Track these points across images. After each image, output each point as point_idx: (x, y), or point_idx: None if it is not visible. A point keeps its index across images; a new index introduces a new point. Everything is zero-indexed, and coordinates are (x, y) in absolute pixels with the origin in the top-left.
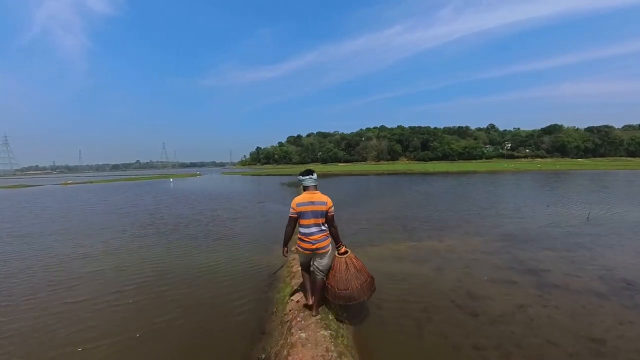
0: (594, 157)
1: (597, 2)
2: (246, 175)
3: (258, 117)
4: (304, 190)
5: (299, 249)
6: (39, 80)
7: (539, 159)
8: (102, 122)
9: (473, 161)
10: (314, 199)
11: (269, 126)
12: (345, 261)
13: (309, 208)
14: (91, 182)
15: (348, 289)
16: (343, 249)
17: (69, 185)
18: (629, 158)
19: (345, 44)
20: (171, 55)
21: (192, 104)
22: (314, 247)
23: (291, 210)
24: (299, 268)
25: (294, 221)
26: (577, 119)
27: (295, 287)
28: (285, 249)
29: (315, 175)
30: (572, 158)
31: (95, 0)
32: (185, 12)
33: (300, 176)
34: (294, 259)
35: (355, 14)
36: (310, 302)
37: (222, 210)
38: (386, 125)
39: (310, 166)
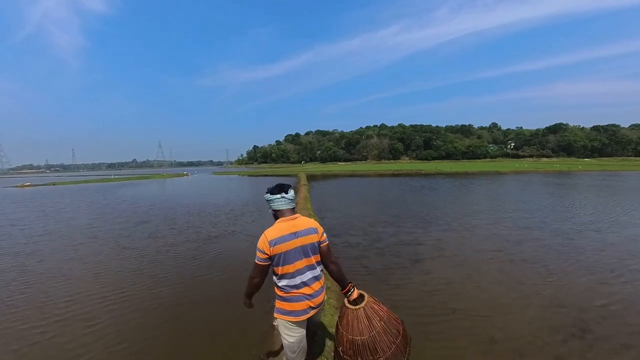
0: (601, 157)
1: (596, 2)
2: (241, 175)
3: (255, 116)
4: (276, 217)
5: (287, 317)
6: (33, 79)
7: (545, 159)
8: (99, 121)
9: (478, 160)
10: (297, 226)
11: (267, 125)
12: (365, 312)
13: (293, 244)
14: (54, 184)
15: (380, 356)
16: (356, 293)
17: (27, 188)
18: (637, 158)
19: (340, 43)
20: (168, 55)
21: (189, 103)
22: (314, 303)
23: (259, 255)
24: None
25: (263, 272)
26: (578, 118)
27: None
28: (248, 300)
29: (291, 194)
30: (578, 158)
31: None
32: (181, 11)
33: (268, 195)
34: None
35: (350, 14)
36: None
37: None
38: (386, 124)
39: (309, 166)
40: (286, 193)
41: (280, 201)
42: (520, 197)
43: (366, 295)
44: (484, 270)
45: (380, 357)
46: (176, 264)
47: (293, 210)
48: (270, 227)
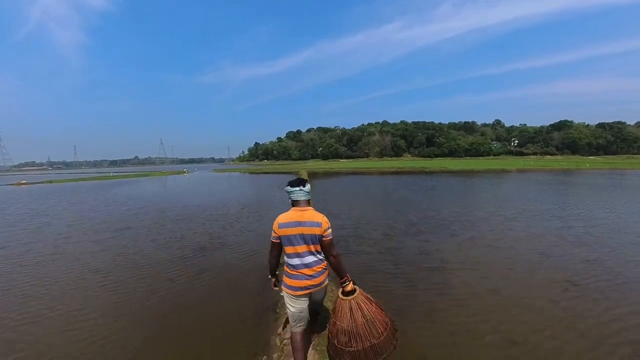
0: (606, 154)
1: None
2: (242, 172)
3: (256, 113)
4: (293, 205)
5: (288, 290)
6: (34, 77)
7: (549, 156)
8: (101, 118)
9: (481, 158)
10: (304, 217)
11: (268, 122)
12: (350, 305)
13: (296, 230)
14: (50, 182)
15: (352, 346)
16: (350, 286)
17: (22, 186)
18: None
19: (342, 40)
20: (169, 52)
21: (191, 101)
22: (313, 282)
23: (272, 233)
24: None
25: (277, 248)
26: (583, 116)
27: None
28: (274, 279)
29: (307, 187)
30: (582, 155)
31: None
32: (181, 8)
33: (289, 187)
34: None
35: (352, 11)
36: None
37: None
38: (388, 121)
39: (310, 162)
40: (304, 186)
41: (299, 193)
42: (544, 199)
43: (357, 292)
44: (546, 310)
45: (352, 347)
46: (146, 288)
47: (308, 202)
48: (284, 213)
